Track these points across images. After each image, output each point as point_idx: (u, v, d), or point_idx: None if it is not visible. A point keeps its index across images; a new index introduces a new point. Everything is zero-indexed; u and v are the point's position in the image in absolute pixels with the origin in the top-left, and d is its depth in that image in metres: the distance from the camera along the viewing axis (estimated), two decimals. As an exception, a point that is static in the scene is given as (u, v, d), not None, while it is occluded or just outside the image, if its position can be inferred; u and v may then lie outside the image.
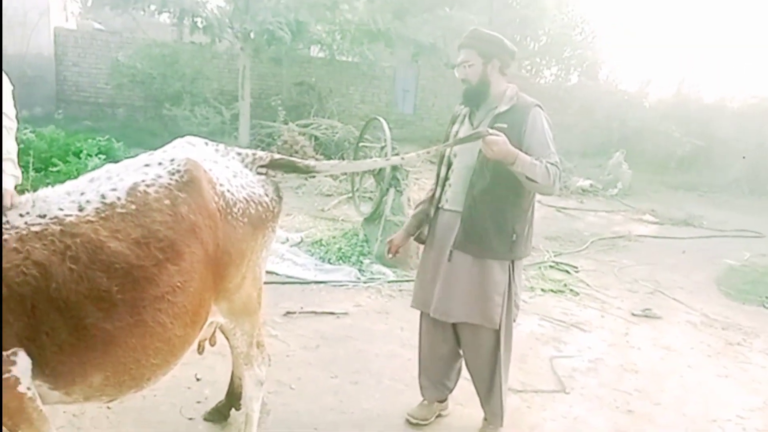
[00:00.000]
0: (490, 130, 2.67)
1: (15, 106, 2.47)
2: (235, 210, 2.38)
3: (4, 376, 1.89)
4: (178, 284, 2.13)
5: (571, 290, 5.68)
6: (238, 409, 3.07)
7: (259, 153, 2.69)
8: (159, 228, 2.12)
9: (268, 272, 5.18)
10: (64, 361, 1.98)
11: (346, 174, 8.17)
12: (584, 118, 14.78)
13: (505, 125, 2.77)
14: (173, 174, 2.25)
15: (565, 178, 11.37)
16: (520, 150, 2.70)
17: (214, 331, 2.66)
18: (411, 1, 14.48)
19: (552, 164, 2.74)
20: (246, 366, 2.66)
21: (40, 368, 1.96)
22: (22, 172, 2.44)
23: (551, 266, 6.38)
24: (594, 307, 5.35)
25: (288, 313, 4.47)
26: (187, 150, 2.43)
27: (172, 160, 2.31)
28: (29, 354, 1.92)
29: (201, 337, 2.51)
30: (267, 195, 2.57)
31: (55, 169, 7.31)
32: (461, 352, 3.20)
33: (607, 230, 8.51)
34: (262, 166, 2.63)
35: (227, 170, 2.47)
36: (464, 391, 3.46)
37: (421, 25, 13.51)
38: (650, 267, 6.86)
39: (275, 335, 4.04)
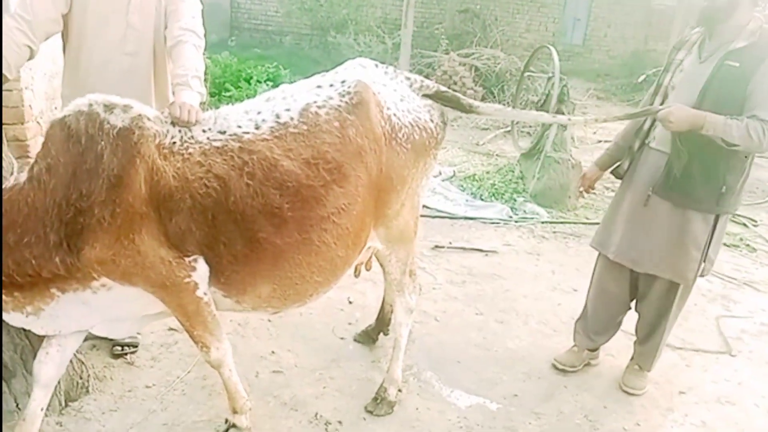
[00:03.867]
0: (660, 106, 2.51)
1: (204, 26, 2.61)
2: (400, 135, 2.38)
3: (185, 280, 2.08)
4: (343, 206, 2.19)
5: (747, 245, 5.14)
6: (386, 334, 3.18)
7: (427, 81, 2.65)
8: (328, 150, 2.17)
9: (419, 204, 5.23)
10: (237, 271, 2.14)
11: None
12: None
13: (737, 64, 2.48)
14: (343, 96, 2.28)
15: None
16: (746, 93, 2.44)
17: (371, 256, 2.73)
18: None
19: (761, 121, 2.39)
20: (398, 293, 2.72)
21: (215, 276, 2.13)
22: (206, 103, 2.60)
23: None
24: (773, 267, 4.81)
25: (436, 246, 4.49)
26: (358, 72, 2.44)
27: (343, 81, 2.34)
28: (207, 262, 2.09)
29: (359, 260, 2.59)
30: (432, 121, 2.53)
31: (227, 94, 7.79)
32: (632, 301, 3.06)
33: (797, 183, 7.51)
34: (426, 95, 2.58)
35: (395, 93, 2.45)
36: (617, 342, 3.32)
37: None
38: None
39: (423, 267, 4.09)
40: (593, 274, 3.12)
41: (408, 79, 2.60)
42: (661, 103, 2.71)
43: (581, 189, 3.14)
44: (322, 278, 2.27)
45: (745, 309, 4.07)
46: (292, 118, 2.20)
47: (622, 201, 2.90)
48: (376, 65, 2.56)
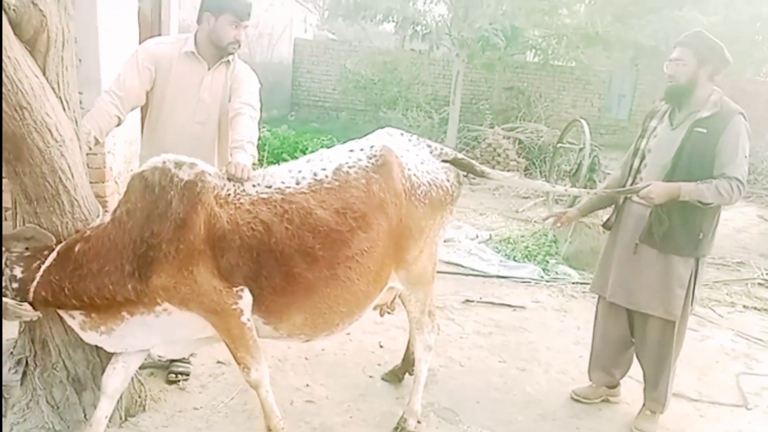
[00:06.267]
0: (641, 185, 2.95)
1: (261, 101, 3.12)
2: (419, 192, 2.77)
3: (233, 307, 2.48)
4: (366, 248, 2.59)
5: (778, 309, 5.21)
6: (411, 374, 3.46)
7: (446, 149, 3.07)
8: (355, 201, 2.59)
9: (453, 264, 5.57)
10: (275, 300, 2.53)
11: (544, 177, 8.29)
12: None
13: (704, 130, 2.90)
14: (371, 158, 2.72)
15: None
16: (714, 155, 2.86)
17: (394, 298, 3.07)
18: (636, 2, 13.82)
19: (728, 179, 2.82)
20: (417, 331, 3.04)
21: (257, 305, 2.52)
22: (259, 164, 3.06)
23: (760, 284, 5.89)
24: (802, 331, 4.85)
25: (467, 300, 4.79)
26: (385, 139, 2.89)
27: (372, 146, 2.78)
28: (251, 292, 2.49)
29: (382, 301, 2.95)
30: (448, 181, 2.92)
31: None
32: (633, 340, 3.32)
33: (840, 252, 7.46)
34: (444, 161, 2.99)
35: (416, 157, 2.87)
36: (632, 391, 3.50)
37: (643, 27, 12.87)
38: None
39: (452, 318, 4.40)
40: (595, 316, 3.44)
41: (429, 146, 3.03)
42: (640, 164, 3.12)
43: (555, 218, 3.43)
44: (346, 309, 2.63)
45: (767, 368, 4.16)
46: (327, 176, 2.64)
47: (613, 249, 3.26)
48: (402, 134, 3.01)
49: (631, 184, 3.15)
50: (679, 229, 2.97)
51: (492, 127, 11.24)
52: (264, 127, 9.65)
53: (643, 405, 3.31)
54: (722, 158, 2.86)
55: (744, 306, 5.21)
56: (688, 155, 2.92)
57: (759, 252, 6.96)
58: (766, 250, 7.08)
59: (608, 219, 3.34)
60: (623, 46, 12.87)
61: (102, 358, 2.72)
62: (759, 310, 5.17)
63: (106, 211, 2.63)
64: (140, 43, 3.50)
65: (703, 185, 2.84)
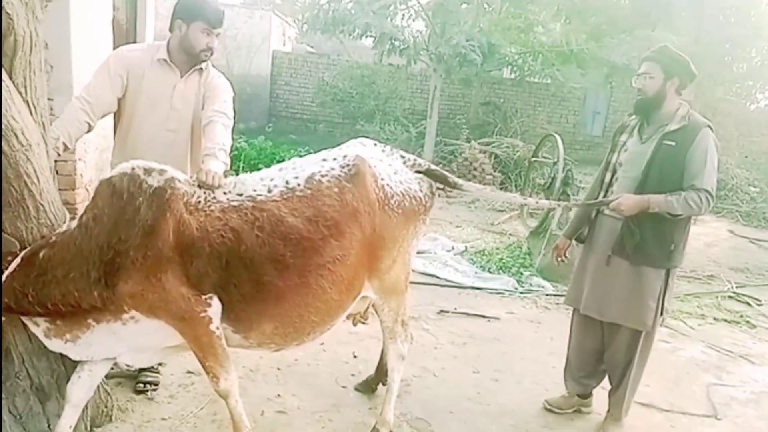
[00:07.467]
0: (611, 198, 3.01)
1: (234, 109, 3.11)
2: (392, 201, 2.77)
3: (201, 315, 2.44)
4: (338, 257, 2.57)
5: (748, 322, 5.32)
6: (384, 384, 3.44)
7: (420, 159, 3.08)
8: (327, 210, 2.58)
9: (429, 275, 5.57)
10: (245, 309, 2.50)
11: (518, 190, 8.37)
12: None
13: (673, 143, 2.95)
14: (344, 167, 2.71)
15: (765, 208, 10.37)
16: (683, 167, 2.91)
17: (368, 307, 3.06)
18: (609, 22, 14.11)
19: (697, 190, 2.87)
20: (390, 340, 3.03)
21: (226, 313, 2.49)
22: (234, 174, 3.04)
23: (730, 297, 6.00)
24: (771, 342, 4.95)
25: (442, 311, 4.79)
26: (358, 149, 2.89)
27: (345, 156, 2.77)
28: (220, 300, 2.46)
29: (355, 310, 2.94)
30: (421, 191, 2.93)
31: (260, 174, 8.52)
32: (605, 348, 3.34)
33: (810, 267, 7.63)
34: (418, 171, 3.00)
35: (389, 168, 2.87)
36: (604, 403, 3.50)
37: (617, 46, 13.14)
38: None
39: (427, 329, 4.39)
40: (570, 328, 3.46)
41: (402, 156, 3.03)
42: (611, 178, 3.17)
43: (556, 257, 3.51)
44: (318, 318, 2.61)
45: (737, 379, 4.22)
46: (299, 184, 2.62)
47: (586, 262, 3.28)
48: (375, 144, 3.02)
49: (603, 198, 3.20)
50: (651, 240, 3.01)
51: (468, 142, 11.34)
52: (241, 137, 9.63)
53: (608, 410, 3.35)
54: (691, 170, 2.91)
55: (714, 318, 5.31)
56: (658, 168, 2.97)
57: (729, 266, 7.11)
58: (736, 264, 7.24)
59: (581, 232, 3.37)
60: (597, 64, 13.13)
61: (67, 366, 2.65)
62: (729, 322, 5.26)
63: (74, 218, 2.58)
64: (114, 50, 3.47)
65: (672, 197, 2.89)
